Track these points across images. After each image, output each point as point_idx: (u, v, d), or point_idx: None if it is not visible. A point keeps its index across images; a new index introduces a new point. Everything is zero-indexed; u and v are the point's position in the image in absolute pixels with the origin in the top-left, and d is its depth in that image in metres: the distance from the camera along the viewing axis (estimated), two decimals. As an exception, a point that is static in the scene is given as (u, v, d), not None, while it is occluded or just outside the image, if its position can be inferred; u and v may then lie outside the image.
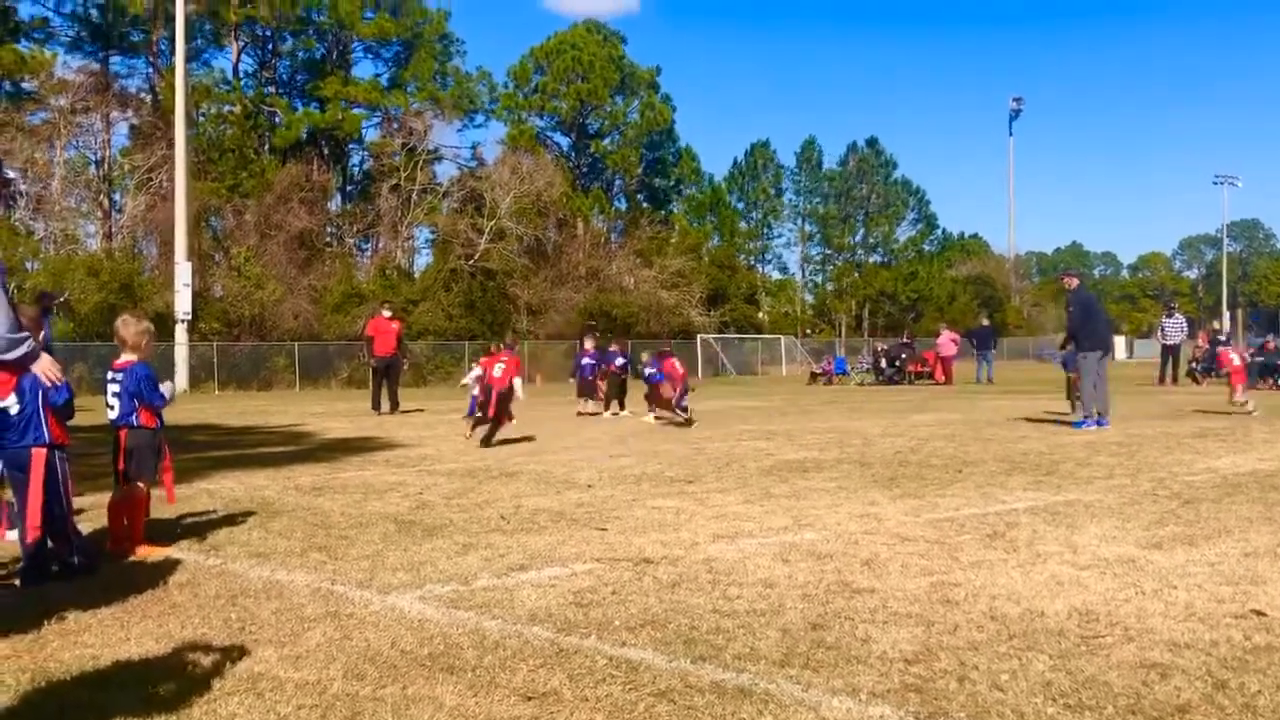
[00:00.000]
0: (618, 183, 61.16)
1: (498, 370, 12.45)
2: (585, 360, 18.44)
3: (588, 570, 5.19)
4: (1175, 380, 27.52)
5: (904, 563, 5.25)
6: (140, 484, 5.92)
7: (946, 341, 32.76)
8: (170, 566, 5.41)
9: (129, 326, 5.99)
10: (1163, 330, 29.02)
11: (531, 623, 4.24)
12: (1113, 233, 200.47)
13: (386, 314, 19.87)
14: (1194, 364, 28.65)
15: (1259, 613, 4.18)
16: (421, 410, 20.02)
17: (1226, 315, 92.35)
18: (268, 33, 47.82)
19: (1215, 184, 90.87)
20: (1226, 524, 6.20)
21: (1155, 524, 6.25)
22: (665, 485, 8.41)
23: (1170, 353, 28.35)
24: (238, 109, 44.41)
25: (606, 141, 58.87)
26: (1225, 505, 6.92)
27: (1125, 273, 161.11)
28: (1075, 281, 14.66)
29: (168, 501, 6.34)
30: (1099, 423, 13.24)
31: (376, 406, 18.88)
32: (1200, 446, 10.92)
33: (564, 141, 59.77)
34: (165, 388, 6.02)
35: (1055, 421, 14.49)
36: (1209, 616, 4.15)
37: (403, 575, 5.16)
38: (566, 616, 4.32)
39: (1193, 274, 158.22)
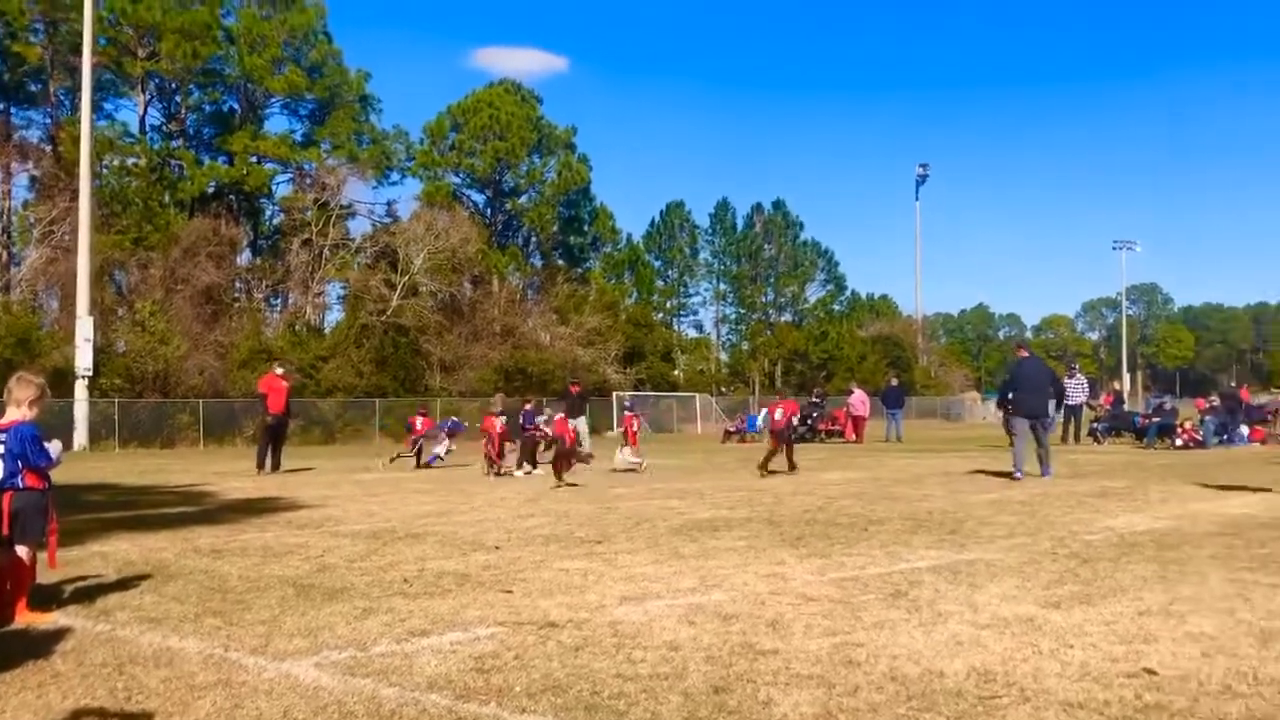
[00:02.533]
0: (534, 240, 61.26)
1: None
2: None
3: (491, 635, 5.11)
4: (1076, 439, 28.15)
5: (808, 623, 5.26)
6: (25, 548, 5.70)
7: (858, 400, 33.18)
8: (55, 634, 5.20)
9: (21, 385, 5.81)
10: (1065, 390, 29.74)
11: (430, 690, 4.15)
12: (1018, 295, 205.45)
13: (279, 371, 19.87)
14: (1095, 424, 29.35)
15: (1150, 671, 4.26)
16: (310, 469, 19.70)
17: (1126, 376, 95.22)
18: (174, 85, 47.22)
19: (1115, 249, 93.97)
20: (1122, 583, 6.33)
21: (1054, 583, 6.35)
22: (574, 546, 8.34)
23: (1072, 412, 29.04)
24: (143, 161, 43.54)
25: (523, 199, 59.00)
26: (1122, 564, 7.06)
27: (1030, 334, 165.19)
28: (1024, 354, 16.49)
29: (49, 566, 6.11)
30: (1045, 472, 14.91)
31: (261, 465, 18.55)
32: (1100, 505, 11.16)
33: (480, 198, 59.76)
34: (52, 447, 5.83)
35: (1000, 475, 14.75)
36: (1103, 676, 4.22)
37: (299, 641, 5.03)
38: (466, 683, 4.24)
39: (1094, 335, 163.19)
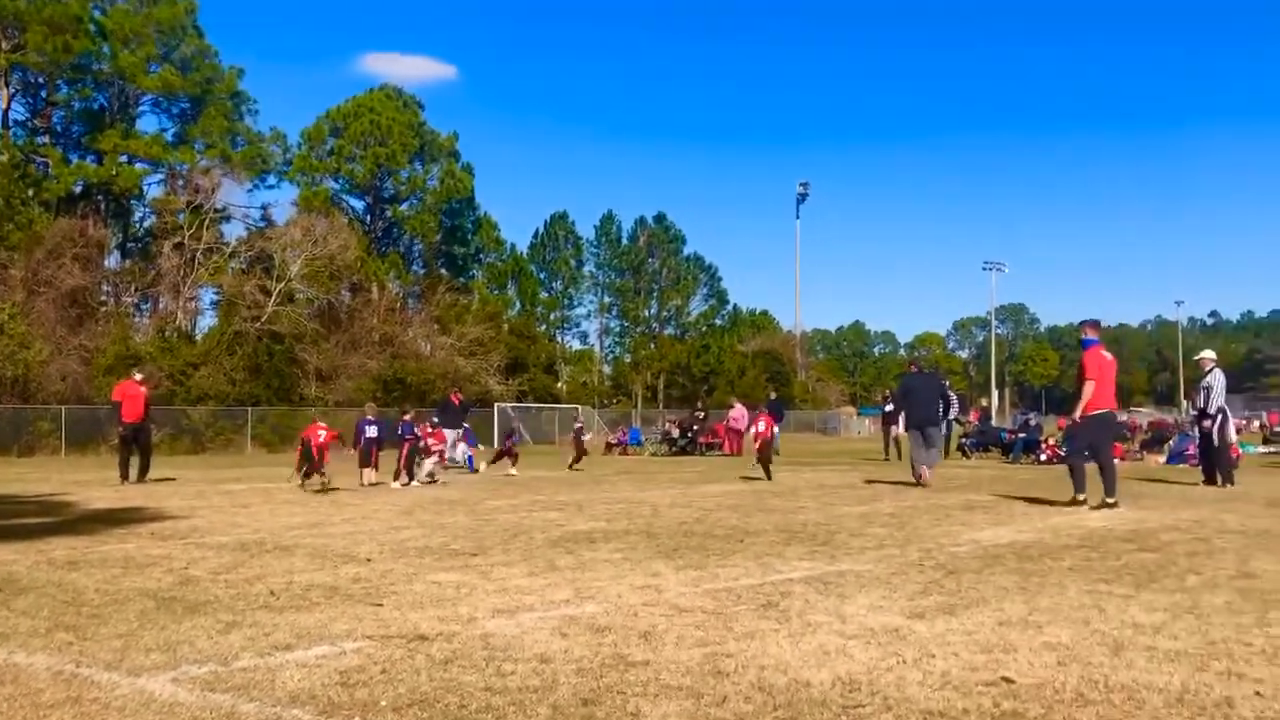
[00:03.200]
0: (416, 248, 60.56)
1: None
2: (368, 430, 17.85)
3: (358, 648, 5.00)
4: (945, 454, 28.92)
5: (680, 634, 5.28)
6: None
7: (738, 415, 33.54)
8: (-110, 651, 4.93)
9: None
10: (953, 402, 30.56)
11: (292, 704, 4.04)
12: (892, 313, 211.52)
13: (137, 378, 19.56)
14: (964, 439, 30.20)
15: (1008, 679, 4.38)
16: (173, 479, 19.11)
17: (995, 393, 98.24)
18: (41, 79, 45.46)
19: (985, 269, 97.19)
20: (984, 594, 6.51)
21: (920, 594, 6.50)
22: (449, 558, 8.24)
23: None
24: (4, 157, 41.78)
25: (404, 206, 58.36)
26: (985, 575, 7.26)
27: (903, 351, 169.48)
28: (914, 369, 19.68)
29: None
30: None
31: (125, 475, 17.95)
32: (966, 518, 11.47)
33: (359, 205, 58.92)
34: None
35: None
36: (963, 684, 4.33)
37: (156, 656, 4.86)
38: (330, 697, 4.15)
39: (965, 353, 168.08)
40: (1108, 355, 13.03)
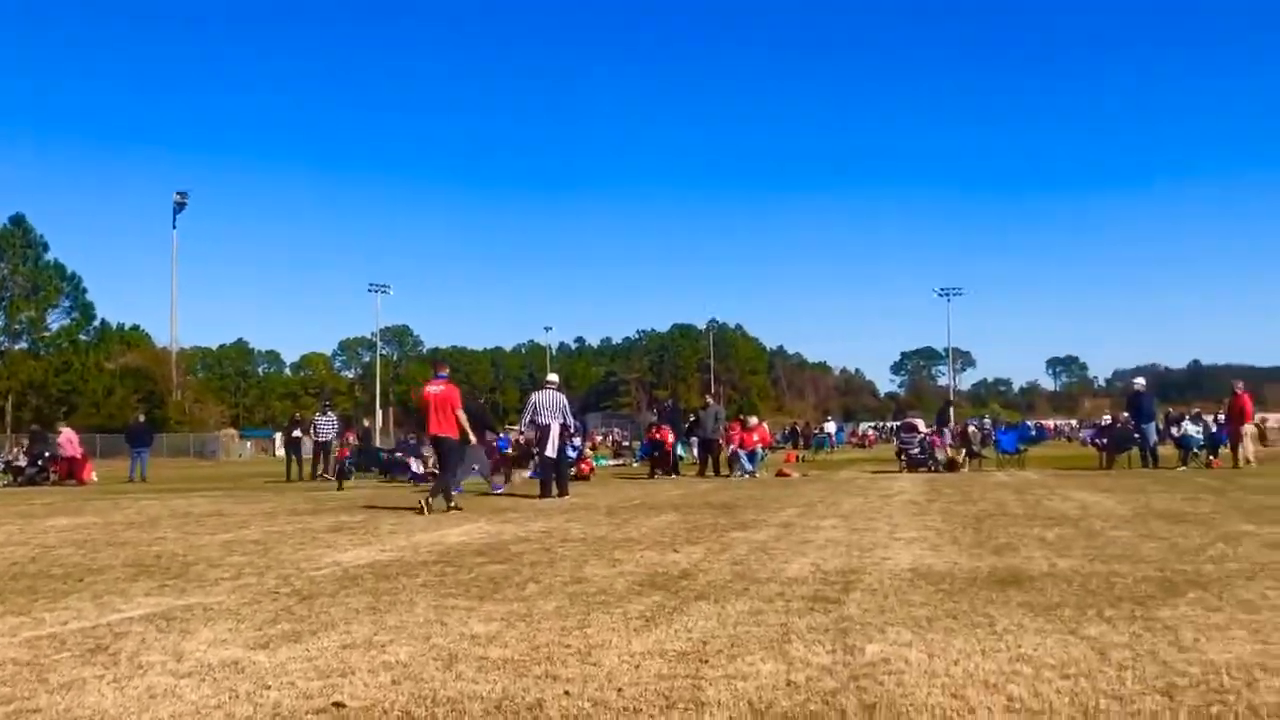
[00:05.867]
0: None
1: None
2: None
3: None
4: (327, 476, 28.83)
5: (-18, 694, 4.65)
6: None
7: (65, 441, 30.82)
8: None
9: None
10: (316, 427, 30.45)
11: None
12: (277, 332, 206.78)
13: None
14: (344, 460, 30.34)
15: (339, 704, 4.38)
16: None
17: (379, 413, 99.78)
18: None
19: (371, 291, 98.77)
20: (335, 617, 6.49)
21: (269, 622, 6.33)
22: None
23: (320, 449, 29.79)
24: None
25: None
26: (340, 598, 7.26)
27: (289, 370, 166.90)
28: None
29: None
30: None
31: None
32: (332, 540, 11.44)
33: None
34: None
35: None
36: (293, 714, 4.25)
37: None
38: None
39: (351, 374, 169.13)
40: (431, 389, 15.76)
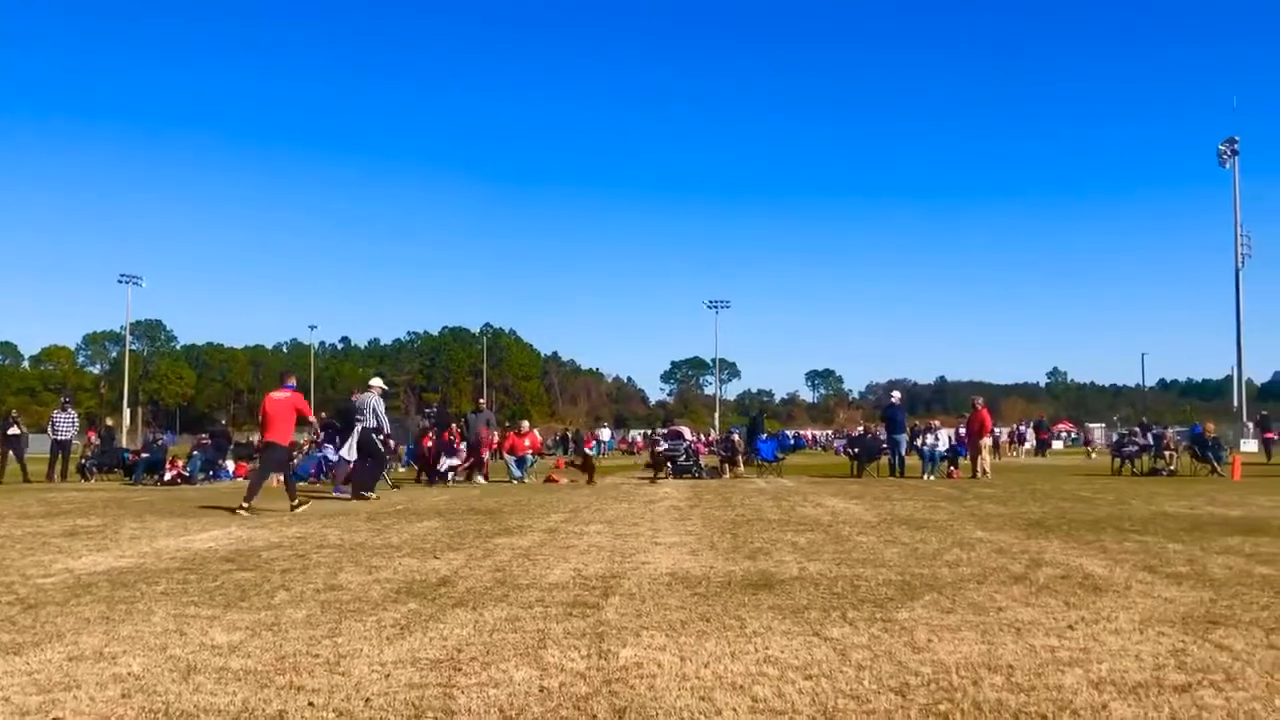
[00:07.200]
0: None
1: None
2: None
3: None
4: (64, 476, 26.98)
5: None
6: None
7: None
8: None
9: None
10: (54, 425, 28.48)
11: None
12: (13, 324, 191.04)
13: None
14: (85, 460, 28.49)
15: (59, 720, 4.10)
16: None
17: (128, 411, 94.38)
18: None
19: (120, 283, 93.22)
20: (63, 628, 6.07)
21: (-14, 635, 5.86)
22: None
23: (60, 447, 27.86)
24: None
25: None
26: (69, 607, 6.79)
27: (27, 364, 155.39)
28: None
29: None
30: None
31: None
32: (66, 545, 10.71)
33: None
34: None
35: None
36: (4, 733, 3.95)
37: None
38: None
39: (97, 369, 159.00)
40: (276, 396, 15.86)
